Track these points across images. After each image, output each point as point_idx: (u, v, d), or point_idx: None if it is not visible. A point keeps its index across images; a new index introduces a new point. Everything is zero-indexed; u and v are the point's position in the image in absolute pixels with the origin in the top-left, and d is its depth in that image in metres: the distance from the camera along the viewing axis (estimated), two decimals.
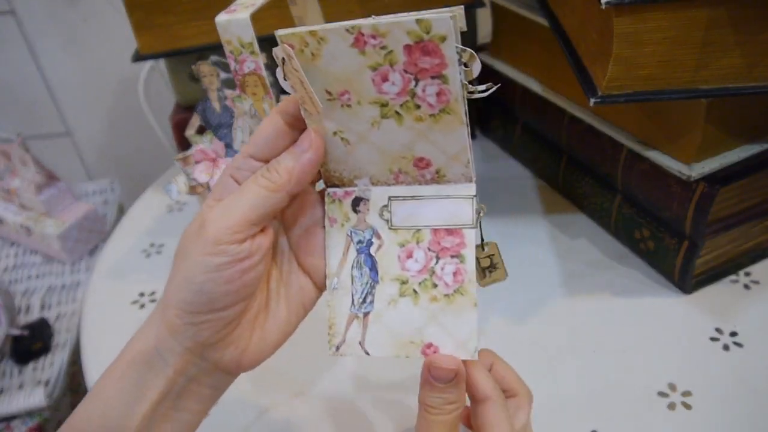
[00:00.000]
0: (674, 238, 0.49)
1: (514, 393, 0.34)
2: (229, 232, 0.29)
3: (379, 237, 0.32)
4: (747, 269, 0.52)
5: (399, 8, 0.63)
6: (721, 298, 0.50)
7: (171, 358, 0.31)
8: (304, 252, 0.34)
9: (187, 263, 0.30)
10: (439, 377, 0.31)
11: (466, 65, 0.27)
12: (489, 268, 0.35)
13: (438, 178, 0.31)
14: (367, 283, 0.32)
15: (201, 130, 0.49)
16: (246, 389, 0.47)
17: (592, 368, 0.45)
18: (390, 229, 0.32)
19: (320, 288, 0.34)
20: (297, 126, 0.32)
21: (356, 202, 0.32)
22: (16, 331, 0.68)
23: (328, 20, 0.52)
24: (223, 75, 0.49)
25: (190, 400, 0.32)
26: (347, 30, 0.26)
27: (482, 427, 0.32)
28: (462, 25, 0.26)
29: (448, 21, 0.25)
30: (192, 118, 0.50)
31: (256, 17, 0.42)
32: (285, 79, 0.30)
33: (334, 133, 0.31)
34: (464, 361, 0.31)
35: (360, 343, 0.32)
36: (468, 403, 0.33)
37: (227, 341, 0.31)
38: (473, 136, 0.74)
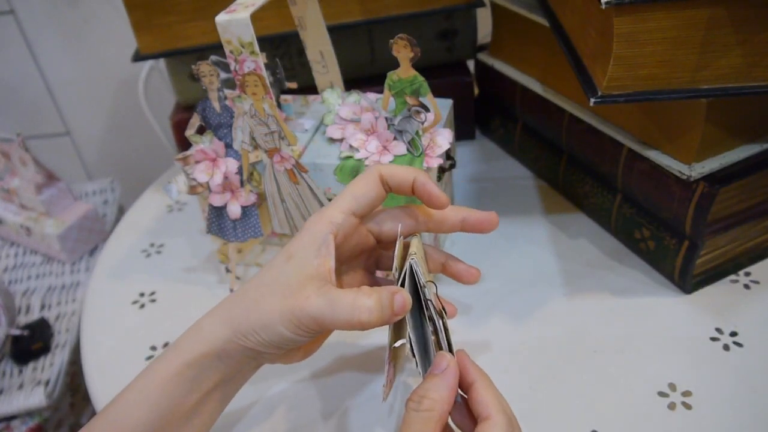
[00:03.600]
0: (674, 238, 0.49)
1: (487, 417, 0.32)
2: (321, 325, 0.33)
3: None
4: (747, 269, 0.52)
5: (399, 9, 0.64)
6: (721, 298, 0.50)
7: (230, 362, 0.35)
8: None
9: (273, 315, 0.33)
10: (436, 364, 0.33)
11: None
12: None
13: None
14: None
15: (201, 130, 0.49)
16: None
17: (592, 368, 0.45)
18: None
19: None
20: (391, 191, 0.37)
21: None
22: (16, 331, 0.68)
23: (327, 20, 0.53)
24: (223, 75, 0.49)
25: (234, 385, 0.37)
26: None
27: None
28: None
29: None
30: (192, 118, 0.50)
31: (256, 17, 0.42)
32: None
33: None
34: (473, 380, 0.33)
35: None
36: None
37: (280, 356, 0.37)
38: (473, 136, 0.74)
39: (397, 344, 0.35)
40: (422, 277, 0.34)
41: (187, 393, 0.34)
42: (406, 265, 0.34)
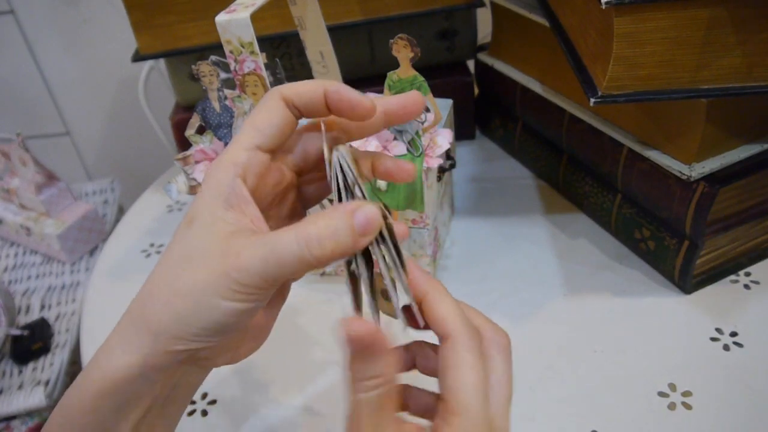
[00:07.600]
0: (674, 238, 0.49)
1: (445, 336, 0.28)
2: (269, 279, 0.26)
3: None
4: (747, 269, 0.52)
5: (399, 9, 0.64)
6: (721, 298, 0.50)
7: (159, 376, 0.28)
8: None
9: (201, 289, 0.26)
10: (352, 346, 0.26)
11: None
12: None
13: None
14: None
15: (201, 130, 0.49)
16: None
17: (592, 368, 0.45)
18: None
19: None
20: (302, 116, 0.30)
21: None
22: (16, 331, 0.68)
23: (327, 21, 0.52)
24: (223, 75, 0.49)
25: (176, 401, 0.31)
26: None
27: (441, 370, 0.27)
28: None
29: None
30: (192, 118, 0.50)
31: (256, 17, 0.42)
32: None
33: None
34: (425, 292, 0.28)
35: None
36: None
37: (223, 350, 0.30)
38: (473, 136, 0.74)
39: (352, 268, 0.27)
40: (353, 171, 0.28)
41: (113, 426, 0.28)
42: (333, 160, 0.28)
